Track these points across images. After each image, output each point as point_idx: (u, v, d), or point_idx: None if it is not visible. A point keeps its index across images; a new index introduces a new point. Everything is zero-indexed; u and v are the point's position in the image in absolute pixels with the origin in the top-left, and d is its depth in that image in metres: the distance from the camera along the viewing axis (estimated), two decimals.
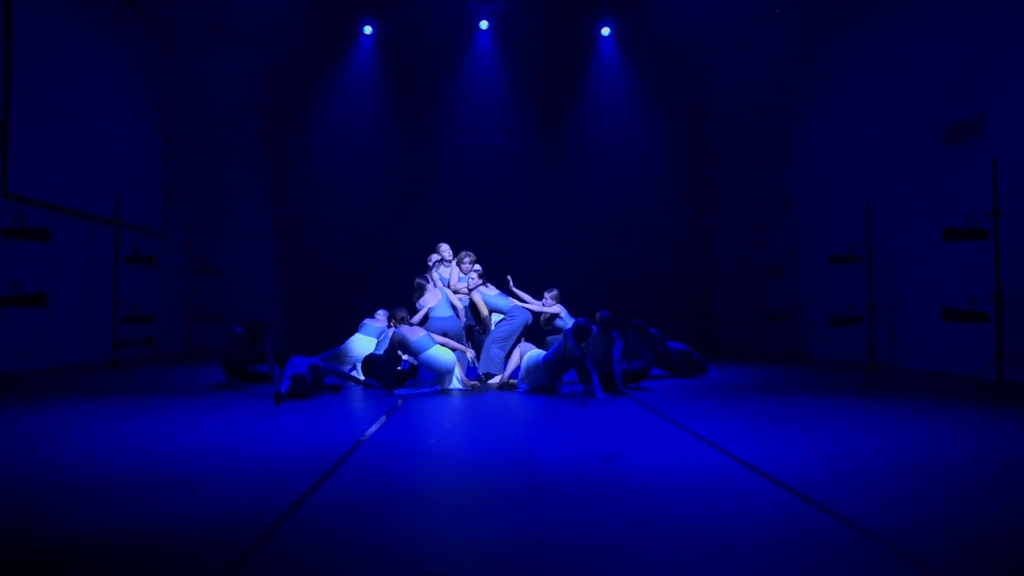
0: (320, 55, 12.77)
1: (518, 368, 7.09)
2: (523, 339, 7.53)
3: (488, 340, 7.53)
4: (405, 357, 7.25)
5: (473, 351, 7.62)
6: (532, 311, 7.73)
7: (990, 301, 7.13)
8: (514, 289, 7.94)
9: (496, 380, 7.27)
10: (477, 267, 7.99)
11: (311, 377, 6.27)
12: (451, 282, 7.86)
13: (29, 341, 8.31)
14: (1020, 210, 7.07)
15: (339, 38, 12.81)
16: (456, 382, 6.99)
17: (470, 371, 7.51)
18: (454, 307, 7.62)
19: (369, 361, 7.27)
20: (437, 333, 7.15)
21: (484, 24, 12.81)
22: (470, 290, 7.75)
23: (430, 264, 8.13)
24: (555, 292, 7.87)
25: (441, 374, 6.87)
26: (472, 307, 7.77)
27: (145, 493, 3.06)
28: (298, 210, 12.78)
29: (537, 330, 7.87)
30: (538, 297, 7.94)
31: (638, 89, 13.08)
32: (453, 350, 6.99)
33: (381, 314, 7.93)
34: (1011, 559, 2.37)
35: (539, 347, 7.38)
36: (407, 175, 12.92)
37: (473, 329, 7.91)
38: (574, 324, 6.73)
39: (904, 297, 8.91)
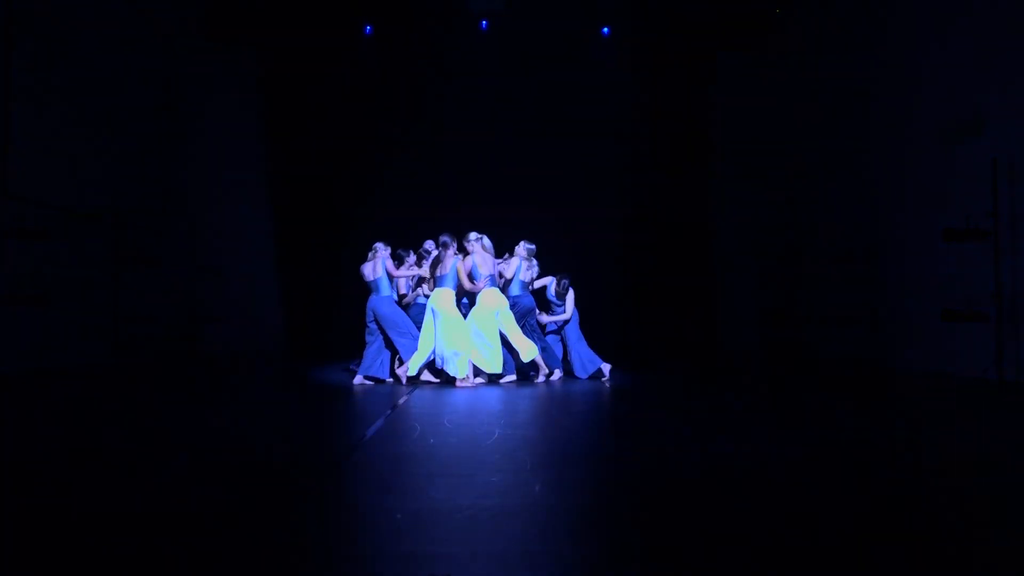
0: (320, 54, 12.77)
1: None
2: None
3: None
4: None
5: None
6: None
7: (991, 300, 7.12)
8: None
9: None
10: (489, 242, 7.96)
11: None
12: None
13: (29, 341, 8.31)
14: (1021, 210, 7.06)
15: (339, 38, 12.81)
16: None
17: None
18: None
19: None
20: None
21: (483, 24, 12.82)
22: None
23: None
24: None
25: None
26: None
27: (148, 489, 3.06)
28: (298, 210, 12.78)
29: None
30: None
31: (638, 89, 13.07)
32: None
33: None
34: None
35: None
36: (407, 174, 12.92)
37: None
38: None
39: (906, 297, 8.89)
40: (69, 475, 3.42)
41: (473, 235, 7.58)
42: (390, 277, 7.50)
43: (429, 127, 13.00)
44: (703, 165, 13.16)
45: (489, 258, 7.54)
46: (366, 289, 7.73)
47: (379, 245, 7.59)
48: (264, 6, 12.16)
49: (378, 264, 7.45)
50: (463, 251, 7.58)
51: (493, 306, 7.36)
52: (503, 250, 8.15)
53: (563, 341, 8.18)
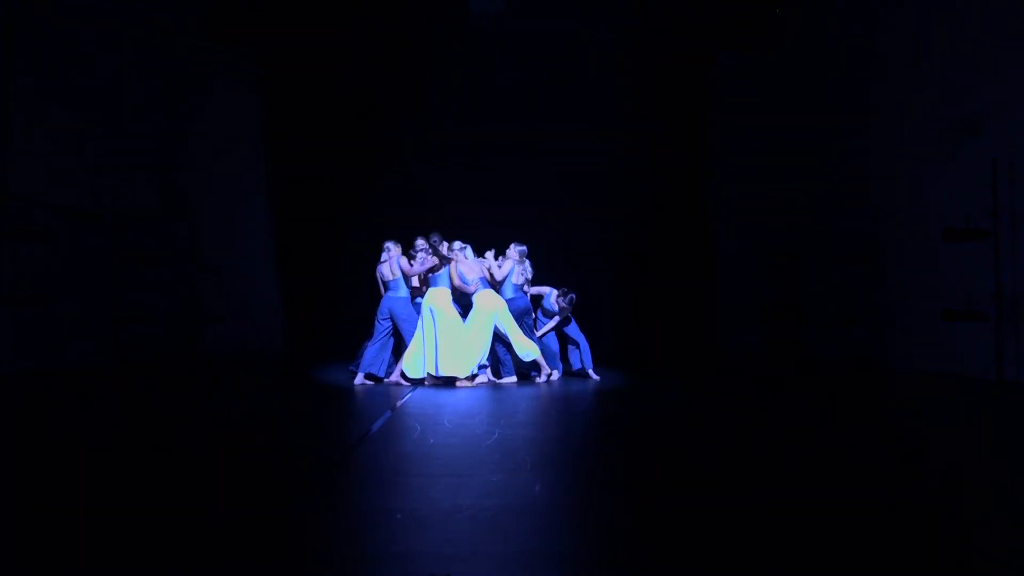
0: (320, 54, 12.77)
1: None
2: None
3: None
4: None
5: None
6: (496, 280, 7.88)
7: (991, 300, 7.13)
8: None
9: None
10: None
11: None
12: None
13: (29, 341, 8.31)
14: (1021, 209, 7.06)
15: (339, 38, 12.81)
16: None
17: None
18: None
19: None
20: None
21: (484, 24, 12.82)
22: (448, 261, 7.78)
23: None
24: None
25: None
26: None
27: (152, 485, 3.06)
28: (298, 210, 12.79)
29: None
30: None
31: (638, 89, 13.07)
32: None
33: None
34: None
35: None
36: (407, 173, 12.93)
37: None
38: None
39: (906, 297, 8.90)
40: (69, 475, 3.42)
41: (457, 244, 7.60)
42: (405, 276, 7.51)
43: (429, 127, 13.01)
44: (703, 165, 13.15)
45: (475, 264, 7.57)
46: (375, 288, 7.77)
47: (389, 244, 7.63)
48: (264, 6, 12.16)
49: (393, 264, 7.50)
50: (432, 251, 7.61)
51: (490, 309, 7.37)
52: (499, 251, 8.16)
53: (565, 340, 8.22)
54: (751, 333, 12.73)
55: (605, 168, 13.08)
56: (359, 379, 7.43)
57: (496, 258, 8.00)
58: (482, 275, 7.55)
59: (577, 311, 8.33)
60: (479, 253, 8.00)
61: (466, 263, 7.51)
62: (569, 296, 8.06)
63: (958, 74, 7.92)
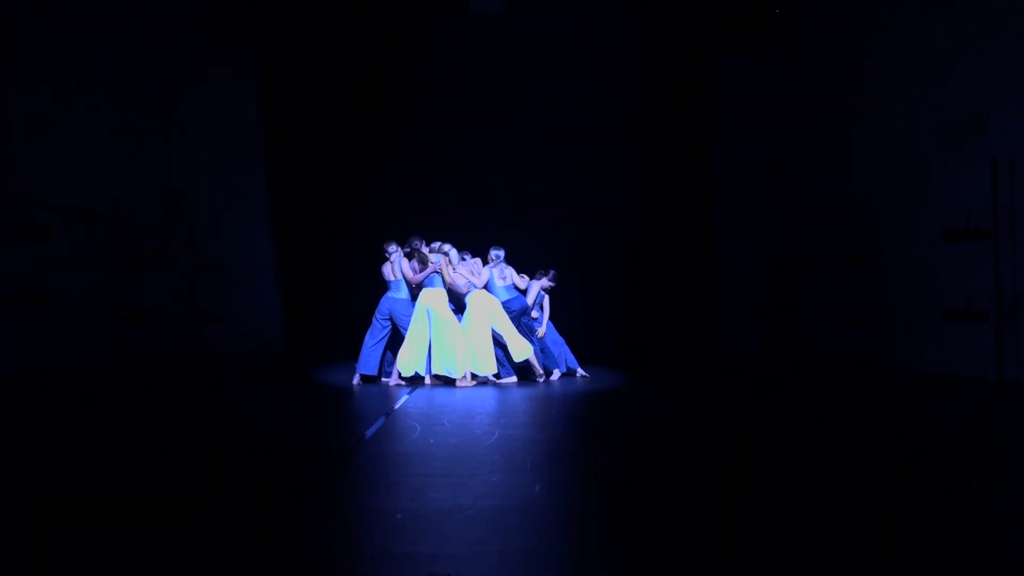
0: (320, 54, 12.77)
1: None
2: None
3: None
4: None
5: None
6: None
7: (991, 300, 7.12)
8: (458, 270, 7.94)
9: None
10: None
11: None
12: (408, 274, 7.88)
13: (29, 341, 8.30)
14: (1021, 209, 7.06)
15: (339, 38, 12.81)
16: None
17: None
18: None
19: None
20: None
21: (484, 24, 12.81)
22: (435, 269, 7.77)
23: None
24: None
25: None
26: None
27: (152, 486, 3.06)
28: (298, 210, 12.79)
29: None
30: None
31: (638, 88, 13.07)
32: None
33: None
34: None
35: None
36: (407, 173, 12.93)
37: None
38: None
39: (906, 297, 8.89)
40: (69, 475, 3.42)
41: (447, 248, 7.60)
42: (407, 279, 7.51)
43: (429, 127, 13.00)
44: (703, 165, 13.15)
45: (459, 266, 7.57)
46: (375, 288, 7.78)
47: (393, 246, 7.65)
48: (264, 6, 12.16)
49: (396, 266, 7.52)
50: (414, 256, 7.60)
51: (484, 308, 7.36)
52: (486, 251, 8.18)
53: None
54: (751, 333, 12.71)
55: (605, 168, 13.07)
56: (356, 379, 7.43)
57: (484, 264, 7.99)
58: (469, 275, 7.56)
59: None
60: (475, 254, 8.00)
61: (448, 267, 7.48)
62: (551, 271, 8.13)
63: (958, 74, 7.92)
